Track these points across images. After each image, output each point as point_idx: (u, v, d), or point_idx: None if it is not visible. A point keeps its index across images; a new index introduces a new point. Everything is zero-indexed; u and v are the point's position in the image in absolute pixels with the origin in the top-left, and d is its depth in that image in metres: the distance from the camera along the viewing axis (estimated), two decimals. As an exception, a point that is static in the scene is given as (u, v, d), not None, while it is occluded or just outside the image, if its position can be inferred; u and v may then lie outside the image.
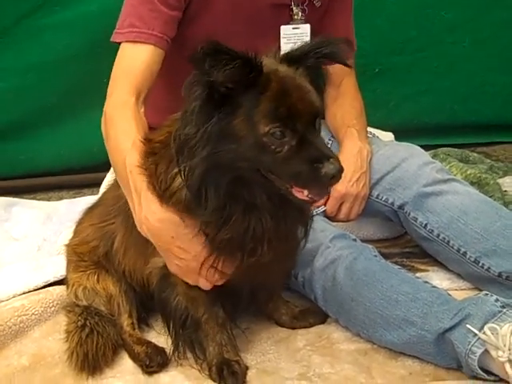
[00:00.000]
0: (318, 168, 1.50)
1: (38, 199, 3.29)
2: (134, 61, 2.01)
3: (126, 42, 2.04)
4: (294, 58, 1.63)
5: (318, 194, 1.60)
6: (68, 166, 3.36)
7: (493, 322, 1.78)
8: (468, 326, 1.79)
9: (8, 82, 3.11)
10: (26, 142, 3.26)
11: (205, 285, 1.83)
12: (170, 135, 1.68)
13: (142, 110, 1.99)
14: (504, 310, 1.81)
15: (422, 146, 3.31)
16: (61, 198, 3.31)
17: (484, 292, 1.93)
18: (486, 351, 1.76)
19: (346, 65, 1.69)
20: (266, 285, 2.05)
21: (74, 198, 3.27)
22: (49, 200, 3.29)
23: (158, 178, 1.73)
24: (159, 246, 1.82)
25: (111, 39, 2.09)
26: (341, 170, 1.51)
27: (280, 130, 1.52)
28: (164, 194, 1.72)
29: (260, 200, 1.64)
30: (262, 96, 1.53)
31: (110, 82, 2.03)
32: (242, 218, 1.64)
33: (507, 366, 1.71)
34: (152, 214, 1.74)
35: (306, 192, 1.57)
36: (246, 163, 1.56)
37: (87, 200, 2.73)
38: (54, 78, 3.13)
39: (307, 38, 2.27)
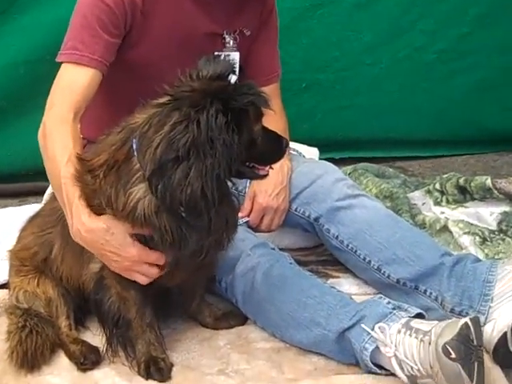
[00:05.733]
0: (281, 143, 1.97)
1: (-18, 207, 3.31)
2: (75, 81, 2.13)
3: (68, 62, 2.16)
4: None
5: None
6: (13, 171, 3.46)
7: (383, 322, 1.98)
8: (362, 325, 1.99)
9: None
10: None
11: (142, 280, 1.96)
12: (112, 160, 1.88)
13: (79, 126, 2.12)
14: (394, 312, 2.01)
15: (344, 159, 3.60)
16: (6, 206, 3.36)
17: (378, 295, 2.16)
18: (377, 348, 1.96)
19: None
20: (189, 286, 2.22)
21: (20, 205, 3.35)
22: (-6, 208, 3.32)
23: (104, 192, 1.89)
24: (94, 252, 1.99)
25: (56, 59, 2.20)
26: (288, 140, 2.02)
27: (261, 126, 1.88)
28: (116, 211, 1.88)
29: (227, 200, 1.92)
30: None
31: (50, 96, 2.14)
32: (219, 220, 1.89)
33: (393, 360, 1.93)
34: (82, 225, 1.91)
35: (267, 167, 1.97)
36: (238, 164, 1.83)
37: (32, 208, 2.82)
38: (3, 81, 3.25)
39: (236, 65, 2.39)
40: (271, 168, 2.01)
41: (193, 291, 2.26)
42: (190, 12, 2.34)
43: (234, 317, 2.34)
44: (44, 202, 2.49)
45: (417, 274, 2.26)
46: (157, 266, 1.96)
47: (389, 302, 2.08)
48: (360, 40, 3.58)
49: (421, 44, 3.62)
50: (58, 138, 2.05)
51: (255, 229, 2.55)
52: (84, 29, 2.19)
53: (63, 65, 2.19)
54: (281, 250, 2.43)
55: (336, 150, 3.69)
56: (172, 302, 2.26)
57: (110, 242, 1.91)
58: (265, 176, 2.00)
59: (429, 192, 3.17)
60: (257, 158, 1.93)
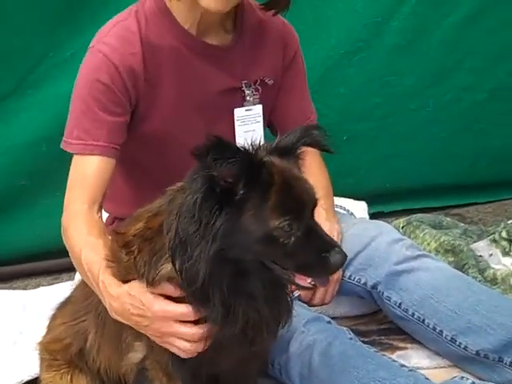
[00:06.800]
0: (327, 257, 1.53)
1: (14, 288, 3.23)
2: (84, 172, 2.03)
3: (76, 154, 2.06)
4: (282, 151, 1.62)
5: (321, 282, 1.66)
6: (46, 249, 3.31)
7: (469, 408, 1.78)
8: (445, 412, 1.79)
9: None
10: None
11: (182, 346, 1.71)
12: (146, 229, 1.71)
13: (99, 214, 2.02)
14: (480, 394, 1.81)
15: (395, 212, 3.45)
16: (38, 285, 3.25)
17: (460, 375, 1.95)
18: None
19: (328, 151, 1.72)
20: (239, 376, 2.00)
21: (52, 284, 3.22)
22: (25, 288, 3.24)
23: (138, 270, 1.72)
24: (129, 323, 1.79)
25: (61, 146, 2.10)
26: (345, 257, 1.54)
27: (289, 223, 1.51)
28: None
29: (256, 289, 1.62)
30: (269, 190, 1.52)
31: (66, 193, 2.06)
32: (244, 310, 1.62)
33: None
34: (110, 297, 1.77)
35: (309, 280, 1.60)
36: (251, 256, 1.56)
37: (64, 287, 2.70)
38: (26, 160, 3.14)
39: (260, 119, 2.28)
40: (316, 285, 1.70)
41: (245, 382, 2.05)
42: (199, 70, 2.16)
43: (291, 404, 2.15)
44: (74, 285, 2.30)
45: (500, 343, 2.06)
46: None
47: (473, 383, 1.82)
48: (403, 84, 3.40)
49: (469, 83, 3.45)
50: (74, 233, 1.97)
51: (308, 303, 2.36)
52: (84, 114, 2.07)
53: (74, 156, 2.09)
54: (333, 319, 2.25)
55: (385, 202, 3.52)
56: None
57: (133, 304, 1.73)
58: (306, 288, 1.66)
59: (495, 241, 2.96)
60: (286, 262, 1.58)
